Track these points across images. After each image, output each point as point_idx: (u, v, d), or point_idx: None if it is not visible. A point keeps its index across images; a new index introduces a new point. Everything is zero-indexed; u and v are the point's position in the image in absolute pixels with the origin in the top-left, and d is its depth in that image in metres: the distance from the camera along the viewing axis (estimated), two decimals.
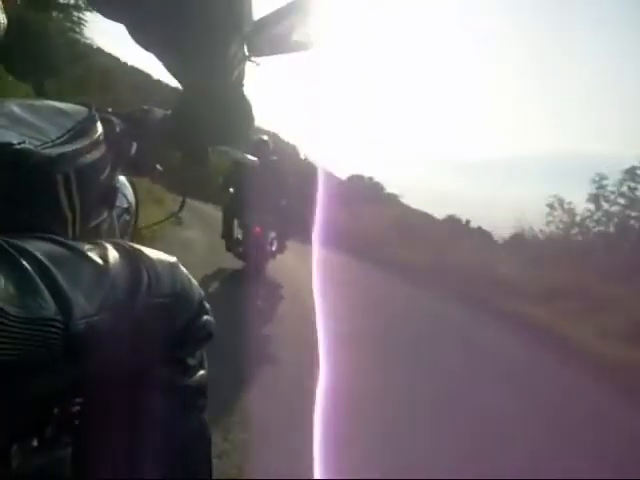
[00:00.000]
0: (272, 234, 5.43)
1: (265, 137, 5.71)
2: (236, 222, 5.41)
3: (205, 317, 0.79)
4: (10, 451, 0.69)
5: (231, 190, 5.60)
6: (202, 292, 0.80)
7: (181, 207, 1.07)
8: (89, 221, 0.78)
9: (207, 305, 0.80)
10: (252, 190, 5.04)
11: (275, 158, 5.49)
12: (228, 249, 5.52)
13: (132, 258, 0.69)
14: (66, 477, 0.75)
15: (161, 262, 0.74)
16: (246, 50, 0.83)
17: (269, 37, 0.85)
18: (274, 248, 5.53)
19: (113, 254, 0.67)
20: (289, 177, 5.74)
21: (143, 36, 0.74)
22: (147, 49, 0.75)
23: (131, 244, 0.75)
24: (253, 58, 0.85)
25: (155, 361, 0.73)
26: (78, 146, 0.74)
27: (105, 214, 0.83)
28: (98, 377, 0.66)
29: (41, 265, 0.56)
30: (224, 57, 0.77)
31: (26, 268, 0.54)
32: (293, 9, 0.86)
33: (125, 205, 0.99)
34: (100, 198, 0.81)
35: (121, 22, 0.73)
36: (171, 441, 0.73)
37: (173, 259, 0.78)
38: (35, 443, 0.74)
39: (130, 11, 0.70)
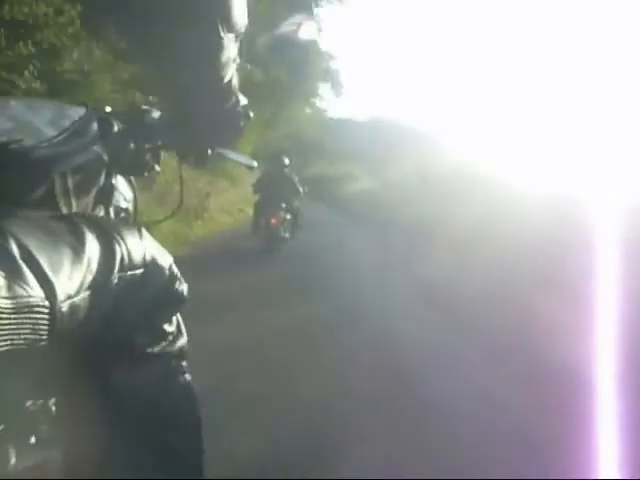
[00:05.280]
0: (285, 225, 7.38)
1: (283, 156, 8.00)
2: (261, 218, 7.39)
3: (177, 282, 0.80)
4: (7, 449, 0.70)
5: (258, 195, 7.69)
6: (171, 258, 0.80)
7: (179, 205, 1.07)
8: None
9: (177, 270, 0.81)
10: (272, 194, 7.30)
11: (288, 170, 7.74)
12: (255, 234, 7.55)
13: (105, 234, 0.69)
14: (63, 475, 0.75)
15: (131, 234, 0.74)
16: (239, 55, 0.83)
17: (272, 38, 0.86)
18: (287, 235, 7.47)
19: (87, 232, 0.67)
20: (299, 185, 7.90)
21: (135, 38, 0.75)
22: (138, 52, 0.76)
23: (101, 217, 0.75)
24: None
25: (133, 332, 0.74)
26: (75, 145, 0.75)
27: (102, 212, 0.84)
28: (82, 356, 0.66)
29: (24, 249, 0.56)
30: (216, 60, 0.77)
31: (13, 255, 0.55)
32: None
33: (123, 204, 0.99)
34: (97, 196, 0.81)
35: (111, 20, 0.74)
36: (157, 409, 0.75)
37: (141, 228, 0.78)
38: (32, 441, 0.75)
39: (120, 10, 0.70)
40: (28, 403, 0.73)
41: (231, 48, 0.76)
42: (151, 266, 0.75)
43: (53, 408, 0.77)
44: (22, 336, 0.53)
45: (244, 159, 1.12)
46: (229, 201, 12.87)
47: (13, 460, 0.71)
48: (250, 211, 11.82)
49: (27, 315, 0.53)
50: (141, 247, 0.74)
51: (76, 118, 0.78)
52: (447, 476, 1.76)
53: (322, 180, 23.31)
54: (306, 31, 0.98)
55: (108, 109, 0.94)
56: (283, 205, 7.40)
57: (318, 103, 27.73)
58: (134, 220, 1.06)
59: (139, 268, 0.72)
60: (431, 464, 1.85)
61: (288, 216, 7.56)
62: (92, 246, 0.66)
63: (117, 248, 0.69)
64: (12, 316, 0.51)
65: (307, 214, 8.77)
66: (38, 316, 0.54)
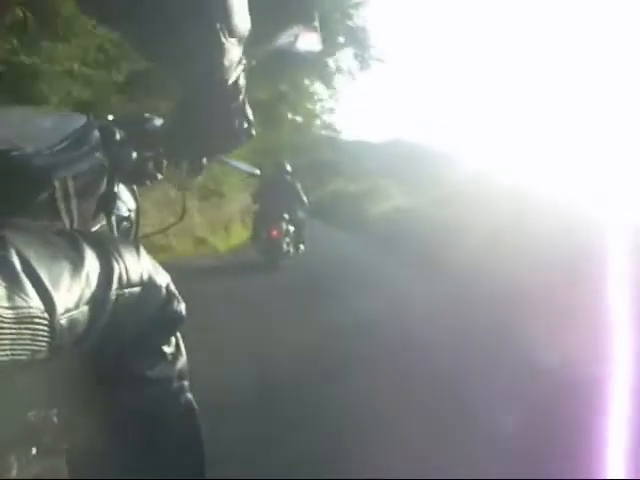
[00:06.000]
0: (287, 238, 6.93)
1: (285, 164, 7.51)
2: (261, 229, 6.93)
3: (175, 301, 0.79)
4: (9, 460, 0.69)
5: (257, 206, 7.23)
6: (169, 277, 0.79)
7: (182, 216, 1.07)
8: (87, 227, 0.78)
9: (174, 289, 0.80)
10: (273, 204, 6.80)
11: (289, 178, 7.25)
12: (254, 247, 7.16)
13: (103, 251, 0.69)
14: None
15: (129, 251, 0.73)
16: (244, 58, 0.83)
17: (271, 48, 0.86)
18: (290, 249, 7.02)
19: (86, 247, 0.66)
20: (303, 194, 7.36)
21: (139, 44, 0.75)
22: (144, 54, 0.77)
23: (100, 233, 0.75)
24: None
25: (132, 355, 0.73)
26: (76, 153, 0.75)
27: (103, 221, 0.84)
28: (82, 372, 0.66)
29: (25, 261, 0.56)
30: (221, 65, 0.77)
31: (14, 266, 0.54)
32: (295, 18, 0.88)
33: (125, 213, 0.99)
34: (98, 205, 0.81)
35: (117, 31, 0.74)
36: (158, 431, 0.74)
37: (139, 246, 0.77)
38: (34, 451, 0.74)
39: (125, 20, 0.70)
40: (30, 414, 0.73)
41: (234, 52, 0.76)
42: (149, 284, 0.74)
43: (55, 419, 0.76)
44: (22, 347, 0.52)
45: (246, 167, 1.12)
46: (188, 225, 7.80)
47: (15, 471, 0.70)
48: (220, 244, 9.12)
49: (27, 326, 0.53)
50: (139, 265, 0.74)
51: (77, 126, 0.78)
52: (446, 475, 1.75)
53: (340, 199, 19.56)
54: (305, 42, 0.98)
55: (110, 117, 0.95)
56: (285, 216, 6.90)
57: (336, 79, 16.99)
58: (136, 229, 1.06)
59: (137, 286, 0.72)
60: None
61: (291, 228, 7.07)
62: (91, 261, 0.65)
63: (115, 265, 0.68)
64: (13, 326, 0.51)
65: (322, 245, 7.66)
66: (37, 327, 0.54)
